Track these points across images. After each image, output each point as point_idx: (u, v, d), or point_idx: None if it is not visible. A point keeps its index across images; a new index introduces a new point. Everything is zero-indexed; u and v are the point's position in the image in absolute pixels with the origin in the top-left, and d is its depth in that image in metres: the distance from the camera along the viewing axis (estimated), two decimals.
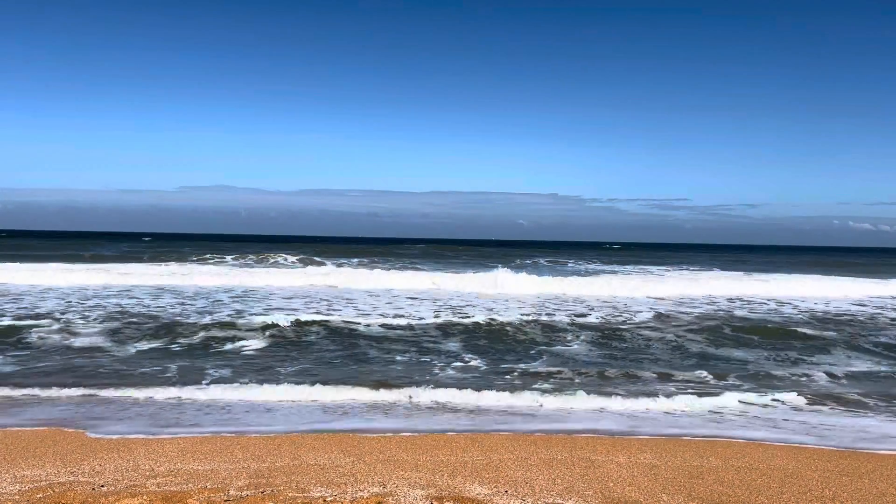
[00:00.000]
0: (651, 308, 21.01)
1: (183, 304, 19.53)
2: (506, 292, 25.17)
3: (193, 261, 40.59)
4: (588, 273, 38.99)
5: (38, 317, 15.81)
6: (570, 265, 49.27)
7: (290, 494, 5.41)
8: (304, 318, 16.40)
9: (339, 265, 35.82)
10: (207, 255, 45.76)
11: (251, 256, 45.67)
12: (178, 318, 16.35)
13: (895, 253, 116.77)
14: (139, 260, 39.77)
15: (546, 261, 54.02)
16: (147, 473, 5.87)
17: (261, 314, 16.99)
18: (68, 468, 5.96)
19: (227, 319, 16.12)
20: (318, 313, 17.62)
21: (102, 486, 5.52)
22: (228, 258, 44.05)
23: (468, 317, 17.72)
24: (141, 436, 7.14)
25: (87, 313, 16.56)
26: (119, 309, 17.75)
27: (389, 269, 34.14)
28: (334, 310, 18.72)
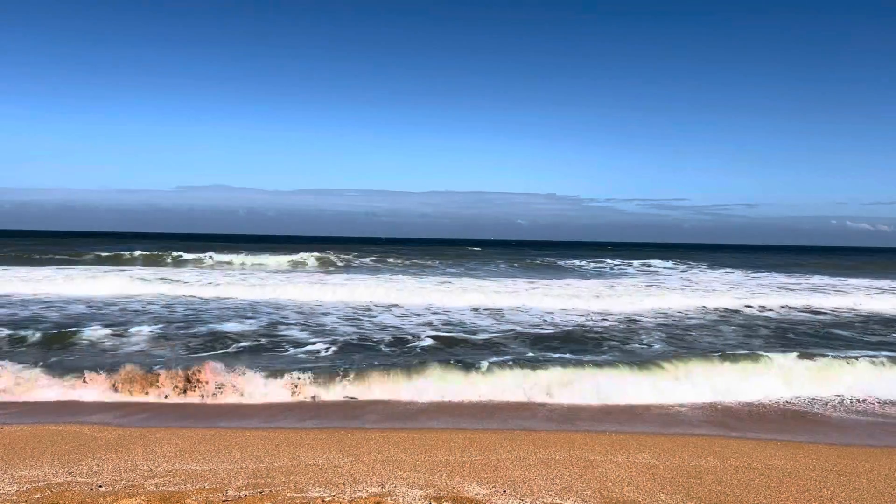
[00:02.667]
0: None
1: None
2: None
3: (349, 266, 38.94)
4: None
5: None
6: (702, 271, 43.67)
7: (288, 494, 5.41)
8: None
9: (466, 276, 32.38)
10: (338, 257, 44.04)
11: (365, 259, 43.99)
12: None
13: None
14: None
15: (615, 263, 49.45)
16: (145, 473, 5.87)
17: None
18: (66, 468, 5.96)
19: None
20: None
21: (100, 486, 5.51)
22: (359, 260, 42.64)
23: None
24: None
25: None
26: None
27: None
28: None
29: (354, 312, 17.77)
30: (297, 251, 49.48)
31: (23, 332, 13.02)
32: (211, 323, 15.21)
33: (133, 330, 13.81)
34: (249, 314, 16.88)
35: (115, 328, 13.85)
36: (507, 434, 7.59)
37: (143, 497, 5.24)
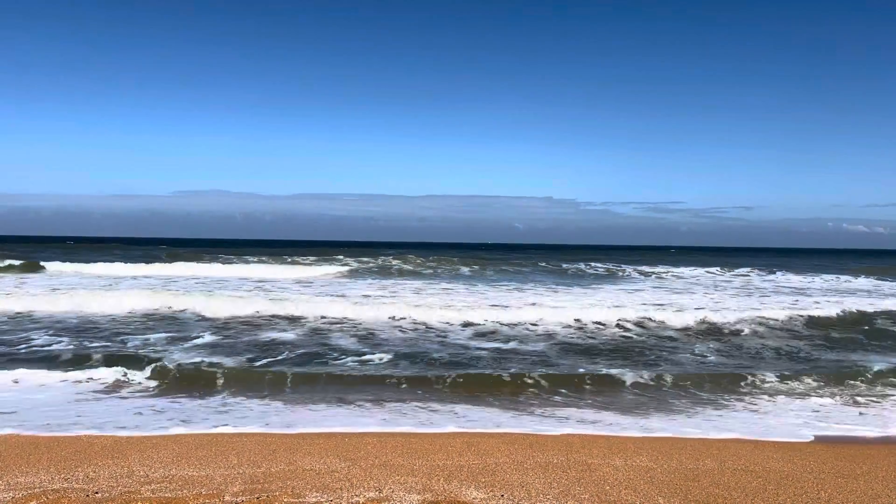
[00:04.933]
0: None
1: None
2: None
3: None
4: None
5: None
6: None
7: (285, 500, 5.39)
8: None
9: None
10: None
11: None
12: None
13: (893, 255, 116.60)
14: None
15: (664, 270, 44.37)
16: (142, 479, 5.85)
17: None
18: (62, 475, 5.94)
19: None
20: None
21: (97, 492, 5.50)
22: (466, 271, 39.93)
23: None
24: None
25: None
26: None
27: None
28: None
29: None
30: (332, 257, 47.40)
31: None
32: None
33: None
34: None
35: None
36: (504, 437, 7.58)
37: (139, 503, 5.22)
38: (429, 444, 7.17)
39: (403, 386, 10.62)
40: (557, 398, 10.15)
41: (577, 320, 17.93)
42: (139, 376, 10.71)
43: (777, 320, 18.74)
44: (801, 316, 19.35)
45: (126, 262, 38.66)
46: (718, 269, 48.16)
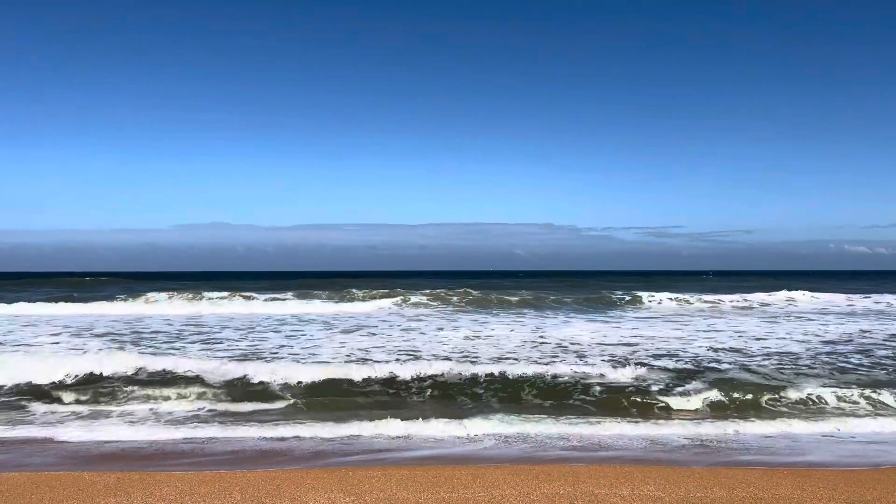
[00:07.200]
0: None
1: None
2: None
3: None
4: None
5: None
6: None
7: None
8: None
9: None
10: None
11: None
12: None
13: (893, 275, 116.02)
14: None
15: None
16: None
17: None
18: None
19: None
20: None
21: None
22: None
23: None
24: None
25: None
26: None
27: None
28: None
29: None
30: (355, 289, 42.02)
31: None
32: None
33: None
34: None
35: None
36: (511, 469, 7.50)
37: None
38: (434, 477, 7.10)
39: None
40: None
41: None
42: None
43: None
44: None
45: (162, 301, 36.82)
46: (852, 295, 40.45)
